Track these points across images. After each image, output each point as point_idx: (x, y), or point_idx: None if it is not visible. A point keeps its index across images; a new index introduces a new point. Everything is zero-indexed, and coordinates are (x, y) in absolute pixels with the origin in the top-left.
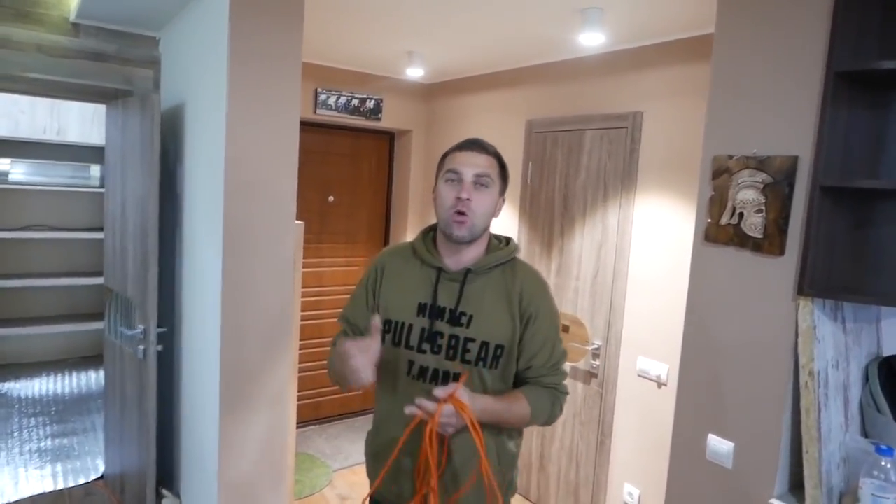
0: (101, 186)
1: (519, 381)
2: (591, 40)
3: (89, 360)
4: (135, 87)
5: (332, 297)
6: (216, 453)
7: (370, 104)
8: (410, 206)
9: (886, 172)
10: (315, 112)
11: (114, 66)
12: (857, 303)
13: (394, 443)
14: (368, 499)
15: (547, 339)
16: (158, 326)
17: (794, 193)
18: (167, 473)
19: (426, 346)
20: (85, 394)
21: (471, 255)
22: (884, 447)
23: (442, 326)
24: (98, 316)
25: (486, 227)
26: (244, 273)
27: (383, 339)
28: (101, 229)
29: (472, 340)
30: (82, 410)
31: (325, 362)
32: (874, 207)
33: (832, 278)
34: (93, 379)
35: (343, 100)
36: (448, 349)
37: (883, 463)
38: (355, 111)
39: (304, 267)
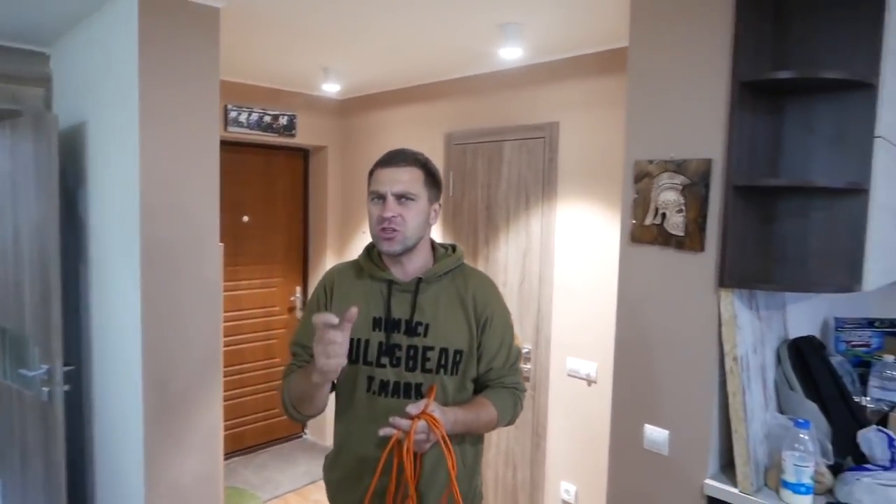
0: None
1: (480, 385)
2: (510, 54)
3: None
4: (23, 107)
5: (252, 321)
6: (142, 496)
7: (283, 120)
8: (329, 223)
9: (785, 171)
10: (226, 129)
11: None
12: (768, 291)
13: (362, 462)
14: None
15: (504, 341)
16: (64, 364)
17: (710, 193)
18: None
19: (385, 360)
20: None
21: (417, 264)
22: (801, 421)
23: (399, 338)
24: None
25: (421, 237)
26: (167, 300)
27: None
28: None
29: (431, 349)
30: None
31: (247, 389)
32: (776, 204)
33: (746, 270)
34: None
35: (255, 116)
36: (407, 360)
37: (802, 435)
38: (268, 128)
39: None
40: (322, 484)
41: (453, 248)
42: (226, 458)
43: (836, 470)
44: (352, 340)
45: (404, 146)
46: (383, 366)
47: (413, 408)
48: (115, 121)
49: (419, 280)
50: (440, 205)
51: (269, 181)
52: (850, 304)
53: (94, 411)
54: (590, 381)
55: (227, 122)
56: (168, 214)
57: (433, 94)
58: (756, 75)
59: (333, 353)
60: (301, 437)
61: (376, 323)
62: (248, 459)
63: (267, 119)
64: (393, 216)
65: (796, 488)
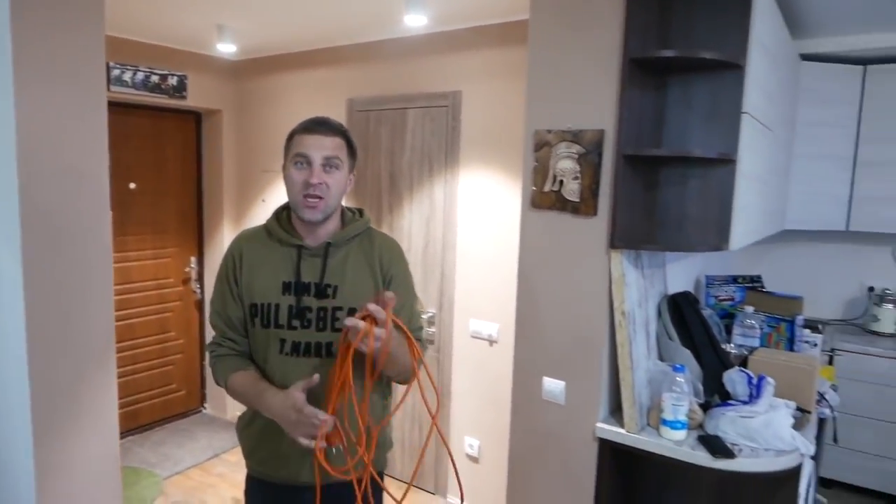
0: None
1: None
2: (415, 21)
3: None
4: None
5: (144, 294)
6: (32, 486)
7: (173, 81)
8: (226, 191)
9: (667, 143)
10: (108, 89)
11: None
12: (651, 251)
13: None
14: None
15: (406, 300)
16: None
17: (602, 162)
18: None
19: (296, 323)
20: None
21: (328, 229)
22: (677, 366)
23: (309, 301)
24: None
25: (338, 205)
26: (52, 273)
27: (253, 323)
28: None
29: (340, 308)
30: None
31: (140, 365)
32: (659, 172)
33: (633, 232)
34: None
35: (141, 76)
36: (318, 321)
37: (678, 379)
38: (156, 88)
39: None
40: (225, 457)
41: (360, 212)
42: (121, 438)
43: (706, 407)
44: (262, 305)
45: (304, 112)
46: (294, 328)
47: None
48: None
49: (328, 244)
50: (354, 175)
51: (158, 146)
52: (718, 263)
53: None
54: (491, 342)
55: (109, 80)
56: (50, 180)
57: (335, 58)
58: (644, 53)
59: (312, 433)
60: (200, 411)
61: (286, 287)
62: (145, 437)
63: (155, 79)
64: (319, 183)
65: (673, 425)
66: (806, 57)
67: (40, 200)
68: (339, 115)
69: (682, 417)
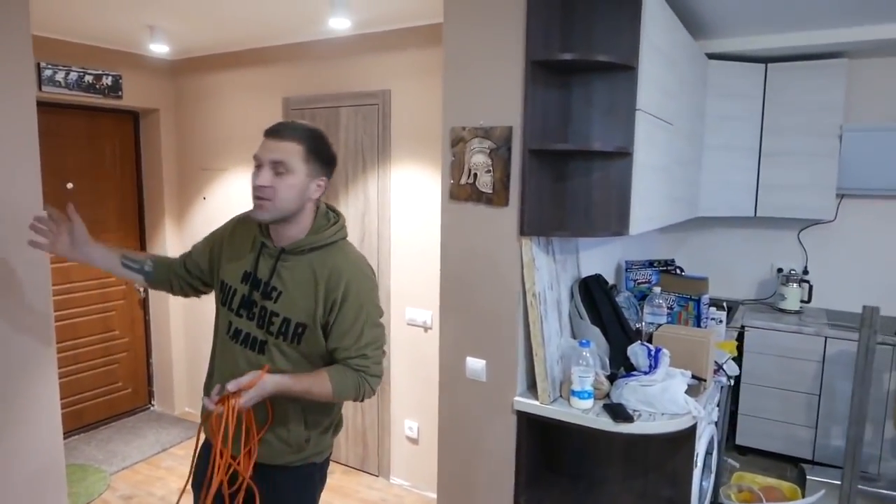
0: None
1: (330, 360)
2: (339, 24)
3: None
4: None
5: (85, 293)
6: None
7: (107, 81)
8: (166, 189)
9: (573, 138)
10: (40, 89)
11: None
12: (560, 237)
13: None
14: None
15: (354, 325)
16: None
17: (511, 156)
18: None
19: (243, 312)
20: None
21: (290, 233)
22: (584, 342)
23: (257, 296)
24: None
25: (296, 210)
26: None
27: (218, 297)
28: None
29: (276, 315)
30: None
31: (83, 364)
32: (567, 164)
33: (543, 221)
34: None
35: (74, 76)
36: (259, 318)
37: (584, 353)
38: (90, 88)
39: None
40: (173, 451)
41: (336, 221)
42: (66, 437)
43: (612, 378)
44: (226, 285)
45: (241, 110)
46: (241, 316)
47: (232, 385)
48: None
49: (281, 250)
50: (326, 180)
51: (95, 145)
52: (638, 248)
53: None
54: (426, 328)
55: (40, 81)
56: None
57: (269, 58)
58: (545, 56)
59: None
60: (148, 409)
61: (245, 276)
62: (91, 436)
63: (88, 79)
64: (264, 186)
65: (581, 395)
66: (713, 56)
67: None
68: (275, 114)
69: (588, 388)
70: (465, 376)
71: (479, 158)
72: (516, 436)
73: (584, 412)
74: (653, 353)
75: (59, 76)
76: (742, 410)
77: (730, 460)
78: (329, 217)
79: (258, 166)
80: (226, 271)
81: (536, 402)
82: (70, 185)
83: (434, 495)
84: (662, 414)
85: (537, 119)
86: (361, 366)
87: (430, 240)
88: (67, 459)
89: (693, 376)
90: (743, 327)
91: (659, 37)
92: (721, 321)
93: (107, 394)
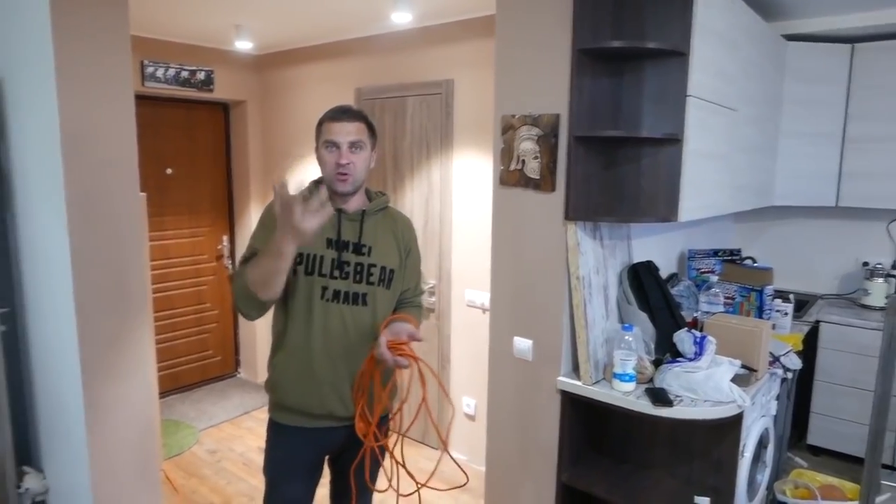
0: None
1: (397, 302)
2: (401, 18)
3: None
4: None
5: (180, 269)
6: (82, 421)
7: (201, 76)
8: (252, 174)
9: (623, 124)
10: (143, 85)
11: None
12: (607, 222)
13: (319, 356)
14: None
15: (416, 268)
16: (0, 307)
17: (558, 143)
18: (25, 452)
19: (337, 273)
20: None
21: (357, 202)
22: (626, 326)
23: (348, 256)
24: None
25: (365, 179)
26: (93, 246)
27: (294, 271)
28: None
29: (374, 265)
30: None
31: (179, 332)
32: (616, 151)
33: (590, 206)
34: None
35: (172, 72)
36: (355, 274)
37: (627, 337)
38: (186, 83)
39: (149, 240)
40: (254, 414)
41: (381, 192)
42: (163, 395)
43: (659, 364)
44: (308, 255)
45: (318, 100)
46: (335, 278)
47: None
48: (31, 77)
49: (363, 212)
50: (375, 153)
51: (190, 134)
52: (703, 237)
53: (31, 348)
54: (484, 309)
55: (143, 77)
56: (89, 165)
57: (342, 51)
58: (593, 44)
59: (302, 219)
60: (235, 376)
61: (329, 243)
62: (185, 396)
63: (184, 74)
64: (347, 163)
65: (622, 377)
66: (792, 37)
67: (81, 184)
68: (348, 103)
69: (630, 371)
70: (512, 355)
71: (527, 145)
72: (560, 415)
73: (624, 394)
74: (699, 339)
75: (160, 72)
76: (815, 409)
77: (797, 458)
78: (375, 192)
79: (333, 148)
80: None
81: (579, 383)
82: (169, 171)
83: None
84: (705, 401)
85: (585, 107)
86: (420, 302)
87: (488, 224)
88: (164, 415)
89: (743, 366)
90: (817, 322)
91: (716, 21)
92: (787, 314)
93: (199, 360)
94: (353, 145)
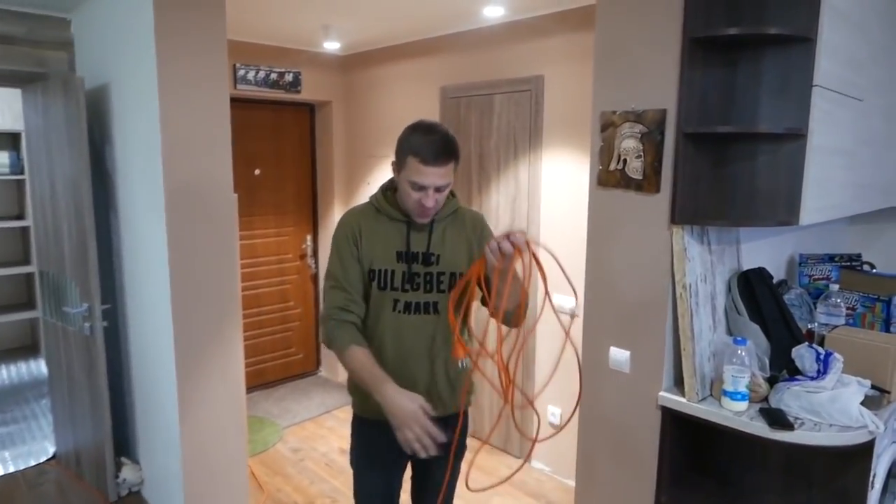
0: (13, 173)
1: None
2: (493, 12)
3: (18, 351)
4: (49, 70)
5: (267, 267)
6: (176, 416)
7: (289, 77)
8: (336, 174)
9: (736, 119)
10: (235, 87)
11: (25, 49)
12: (716, 226)
13: (393, 364)
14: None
15: None
16: (102, 303)
17: (664, 141)
18: (123, 444)
19: (408, 286)
20: (18, 384)
21: None
22: (739, 339)
23: (418, 268)
24: (21, 306)
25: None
26: (189, 244)
27: (369, 286)
28: (15, 217)
29: (443, 273)
30: (20, 401)
31: (265, 329)
32: (728, 148)
33: (698, 209)
34: (24, 370)
35: (262, 74)
36: (425, 284)
37: (739, 351)
38: (275, 85)
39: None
40: (335, 413)
41: (451, 193)
42: (249, 392)
43: (773, 381)
44: (380, 270)
45: (402, 100)
46: (406, 290)
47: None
48: (134, 83)
49: (432, 221)
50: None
51: (277, 136)
52: (814, 241)
53: (130, 345)
54: (572, 315)
55: (235, 80)
56: (187, 167)
57: (428, 49)
58: (705, 32)
59: (419, 443)
60: (316, 374)
61: (399, 256)
62: (269, 393)
63: (273, 76)
64: (434, 205)
65: (733, 396)
66: None
67: (179, 185)
68: (433, 103)
69: (743, 389)
70: (607, 366)
71: (629, 143)
72: (660, 432)
73: (736, 414)
74: (822, 356)
75: (250, 75)
76: None
77: None
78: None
79: (419, 188)
80: (374, 260)
81: (683, 400)
82: (257, 172)
83: (573, 483)
84: (830, 425)
85: (694, 101)
86: None
87: (578, 226)
88: (249, 411)
89: (873, 386)
90: None
91: (845, 1)
92: None
93: (283, 357)
94: (440, 189)
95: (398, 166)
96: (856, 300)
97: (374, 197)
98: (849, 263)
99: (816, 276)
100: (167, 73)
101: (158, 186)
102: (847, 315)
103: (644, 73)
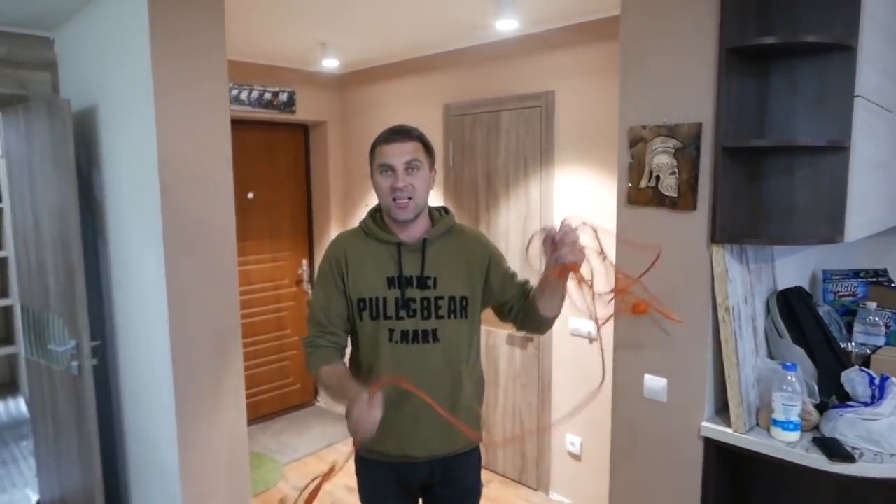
0: None
1: (511, 309)
2: (506, 26)
3: None
4: (30, 92)
5: (262, 294)
6: (176, 462)
7: (283, 97)
8: (332, 197)
9: (771, 132)
10: None
11: (6, 70)
12: (755, 245)
13: (393, 403)
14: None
15: (507, 270)
16: (91, 340)
17: (701, 155)
18: (114, 491)
19: (402, 313)
20: None
21: (420, 227)
22: (788, 364)
23: (412, 293)
24: None
25: (426, 203)
26: (188, 275)
27: (360, 317)
28: None
29: (441, 298)
30: None
31: (261, 360)
32: (763, 163)
33: (735, 226)
34: (1, 409)
35: (255, 94)
36: (422, 310)
37: (790, 377)
38: (268, 105)
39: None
40: (338, 447)
41: (446, 210)
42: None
43: (822, 408)
44: (370, 299)
45: (403, 119)
46: (402, 318)
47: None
48: (127, 104)
49: (425, 240)
50: (435, 171)
51: (271, 157)
52: (836, 256)
53: (122, 384)
54: (591, 339)
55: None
56: (185, 192)
57: (430, 66)
58: (742, 41)
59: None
60: (314, 404)
61: (391, 282)
62: (266, 426)
63: (267, 96)
64: (405, 185)
65: (785, 426)
66: None
67: (177, 211)
68: (435, 121)
69: (795, 418)
70: (641, 395)
71: (662, 159)
72: (703, 465)
73: (789, 445)
74: (876, 381)
75: (244, 95)
76: None
77: None
78: (438, 210)
79: (388, 171)
80: (362, 289)
81: (729, 430)
82: (251, 195)
83: None
84: (892, 455)
85: (731, 113)
86: (529, 287)
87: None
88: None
89: None
90: None
91: (881, 9)
92: None
93: (279, 388)
94: (409, 165)
95: (370, 169)
96: (888, 317)
97: (362, 220)
98: (875, 279)
99: (842, 293)
100: (164, 94)
101: (155, 217)
102: (884, 334)
103: (676, 85)
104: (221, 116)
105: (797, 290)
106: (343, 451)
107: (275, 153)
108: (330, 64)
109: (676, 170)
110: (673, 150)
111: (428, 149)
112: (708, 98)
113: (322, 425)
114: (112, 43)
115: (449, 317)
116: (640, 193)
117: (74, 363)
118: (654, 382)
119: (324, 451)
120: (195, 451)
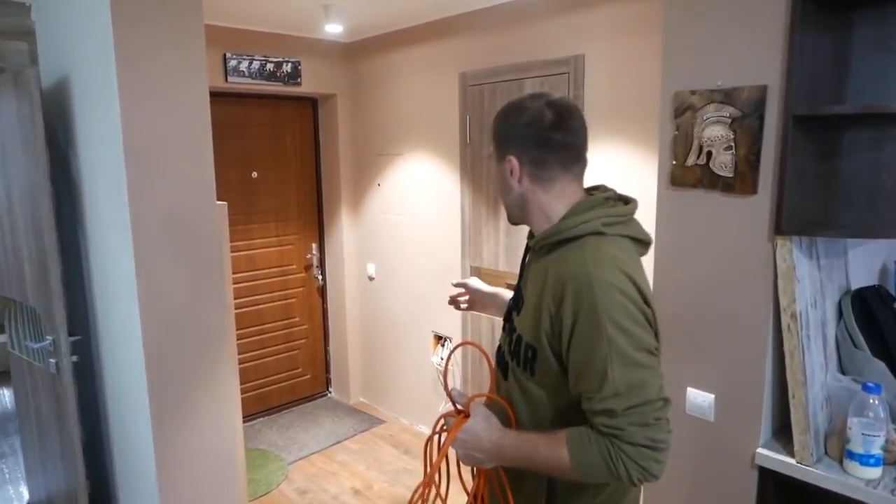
0: None
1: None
2: None
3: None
4: (7, 63)
5: (268, 281)
6: (153, 467)
7: (287, 68)
8: (343, 176)
9: (852, 97)
10: (226, 80)
11: None
12: (831, 237)
13: None
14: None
15: (592, 359)
16: (71, 334)
17: (764, 126)
18: (103, 493)
19: (506, 325)
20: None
21: (537, 231)
22: (871, 385)
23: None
24: None
25: (512, 201)
26: (162, 265)
27: None
28: None
29: (515, 330)
30: None
31: (267, 350)
32: (842, 136)
33: (805, 214)
34: (7, 397)
35: (256, 65)
36: (509, 332)
37: (872, 401)
38: (271, 77)
39: (232, 251)
40: (347, 444)
41: (591, 209)
42: (250, 419)
43: None
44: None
45: (417, 90)
46: (504, 329)
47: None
48: (94, 74)
49: (527, 247)
50: (513, 157)
51: (276, 133)
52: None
53: (104, 382)
54: None
55: (226, 71)
56: (157, 174)
57: (446, 30)
58: None
59: None
60: (325, 395)
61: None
62: (273, 420)
63: (270, 67)
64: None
65: (865, 460)
66: None
67: (148, 196)
68: (451, 92)
69: (877, 451)
70: (684, 411)
71: (715, 131)
72: (757, 497)
73: (868, 484)
74: None
75: (243, 66)
76: None
77: None
78: (593, 202)
79: None
80: None
81: (791, 460)
82: (255, 174)
83: None
84: None
85: (805, 74)
86: (609, 427)
87: None
88: (250, 443)
89: None
90: None
91: None
92: None
93: (288, 379)
94: (493, 158)
95: None
96: None
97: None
98: None
99: None
100: (127, 60)
101: (122, 201)
102: None
103: (735, 41)
104: (199, 88)
105: (876, 290)
106: (352, 450)
107: (280, 129)
108: (334, 30)
109: (733, 144)
110: (729, 120)
111: (494, 135)
112: (775, 56)
113: (333, 419)
114: (82, 6)
115: (513, 359)
116: (686, 173)
117: (52, 360)
118: (699, 398)
119: (333, 449)
120: (174, 459)
